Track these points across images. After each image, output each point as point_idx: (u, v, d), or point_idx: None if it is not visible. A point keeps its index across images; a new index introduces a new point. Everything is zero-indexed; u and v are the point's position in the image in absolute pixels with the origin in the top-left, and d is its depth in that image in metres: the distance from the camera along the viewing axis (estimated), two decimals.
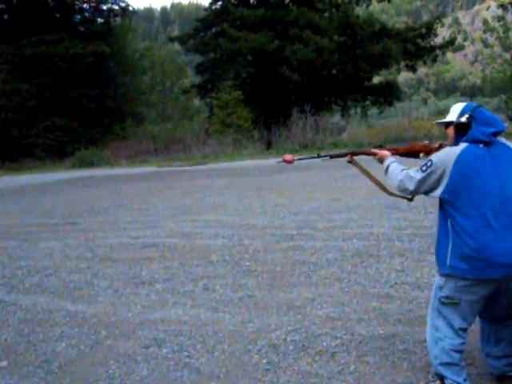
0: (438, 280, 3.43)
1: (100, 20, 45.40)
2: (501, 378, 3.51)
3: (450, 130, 3.47)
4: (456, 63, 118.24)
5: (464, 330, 3.37)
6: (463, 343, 3.38)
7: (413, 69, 40.15)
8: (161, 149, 35.46)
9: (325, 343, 4.34)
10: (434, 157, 3.37)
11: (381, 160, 3.90)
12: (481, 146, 3.27)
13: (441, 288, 3.37)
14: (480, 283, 3.21)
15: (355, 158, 4.21)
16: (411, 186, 3.46)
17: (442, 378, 3.36)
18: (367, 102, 41.00)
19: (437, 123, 3.86)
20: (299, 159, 4.56)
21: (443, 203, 3.35)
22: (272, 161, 25.74)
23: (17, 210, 14.56)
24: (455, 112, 3.44)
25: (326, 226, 8.76)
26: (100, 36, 41.76)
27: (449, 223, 3.30)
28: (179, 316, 5.28)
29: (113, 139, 38.10)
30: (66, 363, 4.44)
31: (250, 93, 38.00)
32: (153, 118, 45.36)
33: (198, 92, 43.81)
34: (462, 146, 3.29)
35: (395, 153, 3.95)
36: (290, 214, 10.30)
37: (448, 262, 3.28)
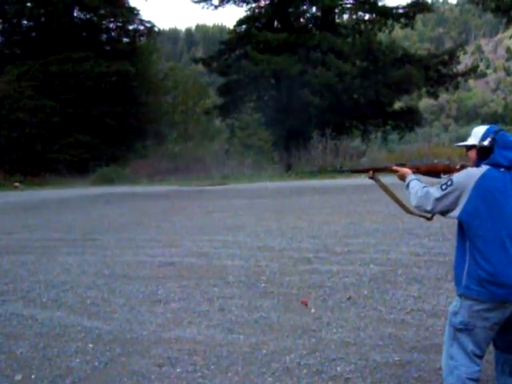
0: (452, 306, 3.41)
1: (126, 40, 46.12)
2: None
3: (472, 153, 3.45)
4: (478, 90, 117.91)
5: (479, 357, 3.33)
6: (478, 371, 3.34)
7: (434, 95, 40.17)
8: (181, 168, 35.69)
9: (339, 368, 4.32)
10: (455, 177, 3.36)
11: (402, 177, 3.90)
12: (502, 169, 3.26)
13: (455, 314, 3.34)
14: (495, 308, 3.18)
15: (377, 174, 4.21)
16: (429, 205, 3.44)
17: None
18: (388, 127, 41.01)
19: (458, 146, 3.84)
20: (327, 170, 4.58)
21: (461, 224, 3.34)
22: (291, 183, 25.83)
23: (37, 224, 14.71)
24: (477, 135, 3.43)
25: (343, 250, 8.74)
26: (125, 55, 42.36)
27: (467, 245, 3.29)
28: (194, 335, 5.29)
29: (134, 157, 38.45)
30: (80, 379, 4.46)
31: (271, 115, 38.24)
32: (174, 137, 45.70)
33: (220, 113, 44.22)
34: (484, 168, 3.28)
35: (416, 171, 3.95)
36: (308, 236, 10.29)
37: (464, 283, 3.26)
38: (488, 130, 3.40)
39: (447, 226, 10.60)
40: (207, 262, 8.51)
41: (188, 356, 4.78)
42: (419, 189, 3.57)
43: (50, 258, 9.58)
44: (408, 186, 3.73)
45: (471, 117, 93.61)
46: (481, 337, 3.26)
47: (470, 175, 3.28)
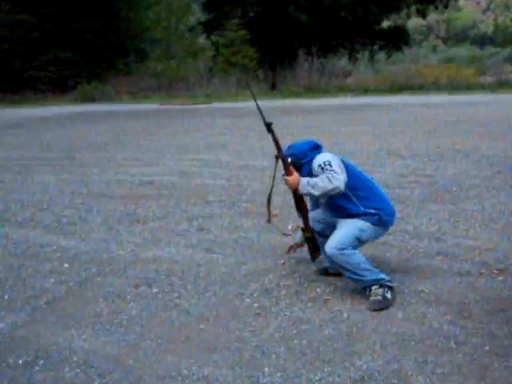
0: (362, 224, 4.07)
1: None
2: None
3: None
4: (468, 10, 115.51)
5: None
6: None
7: (423, 14, 39.27)
8: (163, 86, 35.00)
9: (318, 290, 4.23)
10: (332, 159, 4.12)
11: (293, 185, 4.12)
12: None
13: (363, 231, 4.05)
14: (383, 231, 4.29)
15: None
16: (342, 179, 3.91)
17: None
18: (375, 46, 40.24)
19: None
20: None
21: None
22: (276, 102, 25.44)
23: (15, 143, 14.39)
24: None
25: None
26: None
27: None
28: (172, 255, 5.18)
29: (115, 75, 37.57)
30: (54, 299, 4.34)
31: (256, 32, 37.29)
32: (156, 54, 44.56)
33: (204, 29, 43.05)
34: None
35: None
36: None
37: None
38: None
39: (432, 146, 10.48)
40: (188, 181, 8.36)
41: (165, 276, 4.68)
42: (321, 178, 3.93)
43: (27, 176, 9.37)
44: (308, 185, 3.97)
45: (460, 38, 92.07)
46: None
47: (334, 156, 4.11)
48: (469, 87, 28.97)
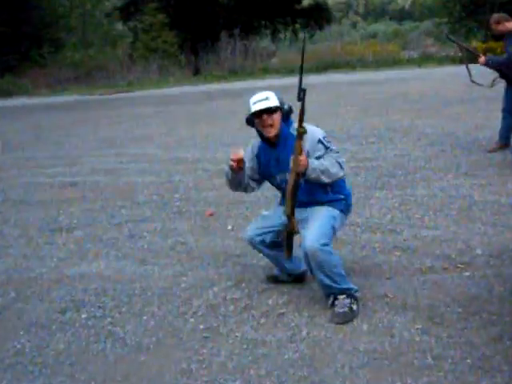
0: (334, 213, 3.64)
1: None
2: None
3: None
4: None
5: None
6: None
7: None
8: (82, 76, 33.65)
9: (270, 301, 3.76)
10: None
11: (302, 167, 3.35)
12: None
13: (336, 219, 3.62)
14: None
15: None
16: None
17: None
18: (297, 26, 39.99)
19: None
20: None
21: None
22: (200, 87, 24.77)
23: None
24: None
25: None
26: None
27: None
28: (101, 270, 4.60)
29: (31, 66, 35.85)
30: None
31: (175, 16, 36.36)
32: (72, 43, 42.84)
33: (121, 15, 41.71)
34: None
35: None
36: (223, 145, 9.63)
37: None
38: None
39: (367, 127, 10.17)
40: (114, 180, 7.73)
41: (95, 297, 4.11)
42: (331, 162, 3.43)
43: None
44: (318, 170, 3.36)
45: (379, 13, 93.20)
46: None
47: None
48: (394, 62, 29.02)
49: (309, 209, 3.60)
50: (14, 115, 19.49)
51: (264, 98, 3.50)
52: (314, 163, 3.31)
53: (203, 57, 31.44)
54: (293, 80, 25.25)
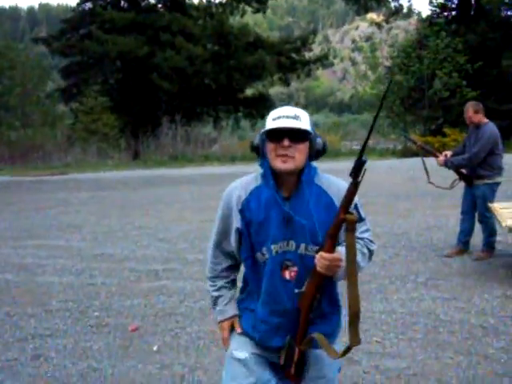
0: None
1: None
2: None
3: None
4: (325, 79, 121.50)
5: None
6: None
7: (286, 82, 39.97)
8: (18, 156, 32.51)
9: None
10: None
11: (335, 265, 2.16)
12: None
13: None
14: None
15: None
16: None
17: None
18: (240, 114, 40.27)
19: None
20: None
21: None
22: (139, 172, 24.05)
23: None
24: None
25: (197, 258, 7.35)
26: None
27: None
28: None
29: None
30: None
31: (117, 100, 36.07)
32: (8, 122, 41.74)
33: (63, 97, 41.21)
34: None
35: None
36: (156, 239, 8.82)
37: None
38: None
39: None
40: (28, 279, 6.75)
41: None
42: (363, 253, 2.34)
43: None
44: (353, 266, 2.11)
45: (319, 105, 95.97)
46: None
47: None
48: (337, 154, 29.13)
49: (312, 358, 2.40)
50: None
51: (292, 116, 2.27)
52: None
53: (144, 141, 30.94)
54: (233, 169, 24.93)
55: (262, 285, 2.36)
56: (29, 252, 8.28)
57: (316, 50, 46.59)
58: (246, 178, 2.47)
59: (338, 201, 2.21)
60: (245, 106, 39.92)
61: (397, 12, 36.81)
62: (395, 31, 37.18)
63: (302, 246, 2.28)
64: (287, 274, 2.31)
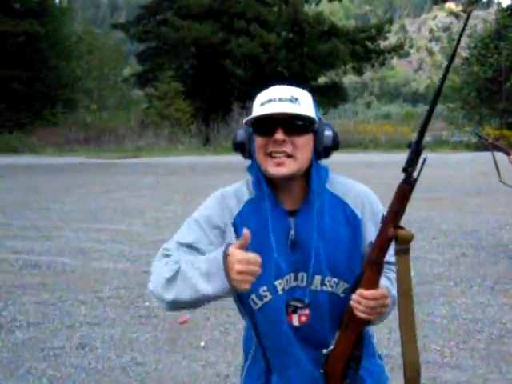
0: None
1: None
2: None
3: None
4: (400, 69, 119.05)
5: None
6: None
7: (359, 72, 39.18)
8: (92, 138, 33.20)
9: None
10: None
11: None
12: None
13: None
14: None
15: None
16: None
17: None
18: None
19: None
20: None
21: None
22: (208, 158, 24.05)
23: None
24: None
25: None
26: (34, 15, 38.97)
27: None
28: None
29: (41, 125, 35.55)
30: None
31: (191, 85, 36.22)
32: (85, 104, 42.77)
33: (138, 81, 41.88)
34: None
35: None
36: None
37: None
38: None
39: None
40: (83, 264, 6.71)
41: None
42: (388, 278, 1.70)
43: None
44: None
45: (393, 95, 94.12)
46: None
47: None
48: (408, 145, 28.31)
49: None
50: (11, 174, 18.68)
51: (288, 98, 1.62)
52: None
53: (214, 127, 30.97)
54: None
55: (262, 341, 1.69)
56: (89, 236, 8.28)
57: (392, 39, 45.56)
58: (236, 186, 1.81)
59: (360, 212, 1.73)
60: (317, 94, 39.41)
61: (476, 1, 35.39)
62: (474, 21, 35.76)
63: (317, 278, 1.63)
64: (295, 320, 1.66)
